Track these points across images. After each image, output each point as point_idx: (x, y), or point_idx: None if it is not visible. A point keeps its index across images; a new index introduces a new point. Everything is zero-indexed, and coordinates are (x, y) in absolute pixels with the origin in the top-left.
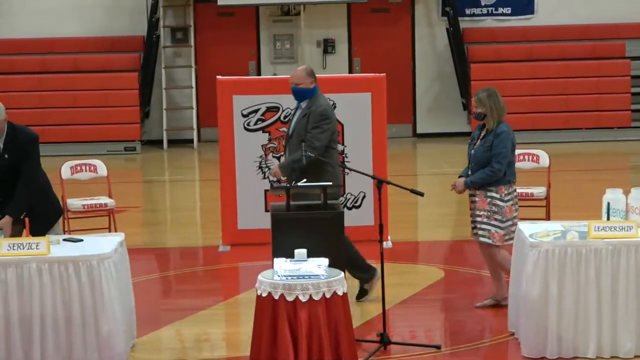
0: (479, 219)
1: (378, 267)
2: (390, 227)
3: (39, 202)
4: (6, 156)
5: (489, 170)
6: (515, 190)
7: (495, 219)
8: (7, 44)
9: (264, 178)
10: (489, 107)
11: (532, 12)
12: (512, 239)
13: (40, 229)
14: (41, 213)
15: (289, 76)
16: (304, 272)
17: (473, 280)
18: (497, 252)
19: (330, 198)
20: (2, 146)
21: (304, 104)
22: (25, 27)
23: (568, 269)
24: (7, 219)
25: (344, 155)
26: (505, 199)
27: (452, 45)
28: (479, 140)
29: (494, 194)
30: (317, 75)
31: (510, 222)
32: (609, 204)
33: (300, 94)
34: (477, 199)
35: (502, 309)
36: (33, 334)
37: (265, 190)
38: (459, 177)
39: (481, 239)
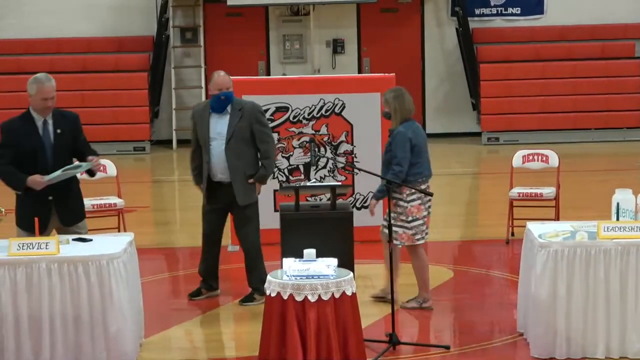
0: (385, 222)
1: (387, 266)
2: None
3: (76, 189)
4: (58, 131)
5: (390, 175)
6: (424, 189)
7: (401, 220)
8: (15, 44)
9: (273, 178)
10: (393, 108)
11: (541, 12)
12: (423, 238)
13: (68, 218)
14: (74, 198)
15: (298, 77)
16: (313, 272)
17: (482, 281)
18: (415, 253)
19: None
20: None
21: (229, 108)
22: (33, 27)
23: (577, 270)
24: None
25: (353, 155)
26: (408, 199)
27: (462, 45)
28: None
29: (397, 195)
30: (326, 75)
31: (419, 222)
32: (618, 204)
33: (230, 99)
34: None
35: (511, 309)
36: (42, 333)
37: (275, 190)
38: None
39: (394, 241)
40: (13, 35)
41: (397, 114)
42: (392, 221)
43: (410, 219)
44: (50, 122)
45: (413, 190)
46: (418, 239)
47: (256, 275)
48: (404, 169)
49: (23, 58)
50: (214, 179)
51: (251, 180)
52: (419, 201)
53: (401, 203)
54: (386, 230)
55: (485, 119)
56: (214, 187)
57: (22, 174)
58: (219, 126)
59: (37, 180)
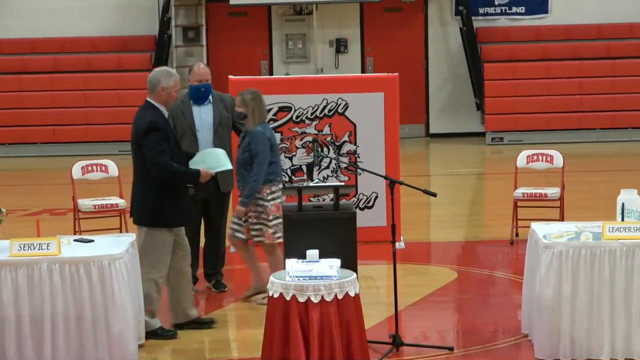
0: (250, 220)
1: (390, 267)
2: (402, 228)
3: None
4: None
5: (252, 177)
6: (280, 189)
7: (263, 219)
8: (19, 44)
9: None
10: (252, 109)
11: (546, 11)
12: (280, 237)
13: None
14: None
15: (301, 76)
16: (316, 273)
17: (486, 281)
18: (273, 252)
19: None
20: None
21: (210, 98)
22: (37, 27)
23: (582, 270)
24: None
25: (356, 155)
26: (268, 198)
27: (466, 44)
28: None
29: (257, 195)
30: (329, 75)
31: (277, 220)
32: (623, 204)
33: (209, 90)
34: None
35: (515, 310)
36: (44, 333)
37: None
38: None
39: (255, 239)
40: (16, 34)
41: (256, 115)
42: (256, 220)
43: (271, 217)
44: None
45: (273, 189)
46: (278, 237)
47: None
48: (264, 169)
49: (26, 57)
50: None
51: None
52: (279, 200)
53: (261, 202)
54: (238, 234)
55: (489, 119)
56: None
57: (191, 168)
58: (204, 116)
59: (208, 173)
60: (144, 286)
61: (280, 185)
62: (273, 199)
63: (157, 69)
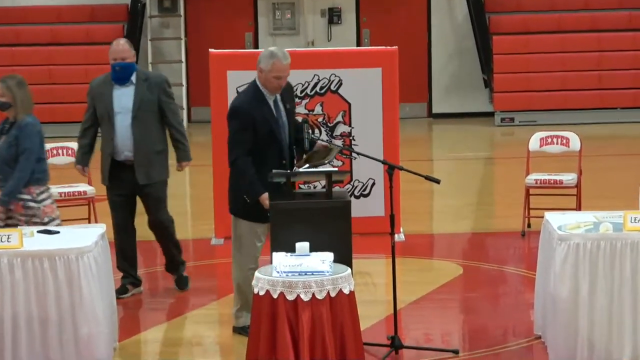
0: (19, 224)
1: (389, 261)
2: (402, 218)
3: None
4: (287, 106)
5: (17, 173)
6: (49, 188)
7: (34, 223)
8: None
9: None
10: (20, 98)
11: None
12: None
13: None
14: None
15: (289, 49)
16: (306, 268)
17: (495, 278)
18: None
19: None
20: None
21: (133, 78)
22: None
23: (601, 265)
24: None
25: (351, 138)
26: (39, 199)
27: (473, 14)
28: (3, 135)
29: (25, 196)
30: (321, 49)
31: (55, 222)
32: None
33: (128, 69)
34: (12, 206)
35: (527, 309)
36: (4, 335)
37: None
38: None
39: None
40: None
41: (23, 104)
42: (26, 225)
43: (46, 219)
44: (278, 97)
45: (42, 189)
46: None
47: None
48: (31, 166)
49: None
50: (118, 158)
51: (182, 167)
52: (50, 200)
53: (32, 204)
54: None
55: (498, 97)
56: (118, 169)
57: (260, 187)
58: (124, 99)
59: (265, 203)
60: (243, 278)
61: (48, 185)
62: (44, 199)
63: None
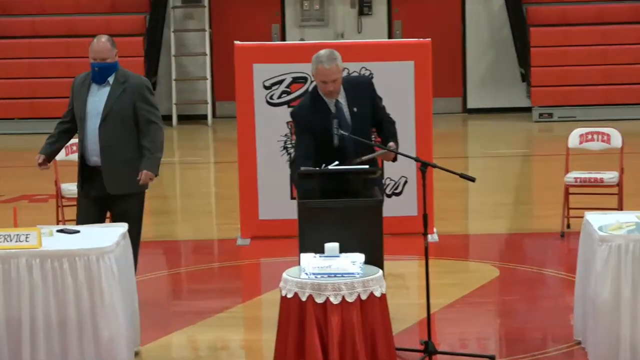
0: None
1: (422, 263)
2: (436, 218)
3: None
4: (355, 109)
5: None
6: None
7: None
8: None
9: (288, 161)
10: None
11: None
12: None
13: None
14: None
15: (318, 42)
16: (336, 270)
17: (533, 280)
18: None
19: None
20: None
21: (111, 79)
22: None
23: None
24: None
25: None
26: None
27: (509, 5)
28: None
29: None
30: (351, 41)
31: None
32: None
33: (107, 71)
34: None
35: (566, 313)
36: (22, 339)
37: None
38: None
39: None
40: None
41: None
42: None
43: None
44: (343, 100)
45: None
46: None
47: None
48: None
49: (0, 20)
50: (88, 163)
51: (141, 177)
52: None
53: None
54: None
55: (536, 92)
56: (90, 173)
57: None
58: (97, 101)
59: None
60: None
61: None
62: None
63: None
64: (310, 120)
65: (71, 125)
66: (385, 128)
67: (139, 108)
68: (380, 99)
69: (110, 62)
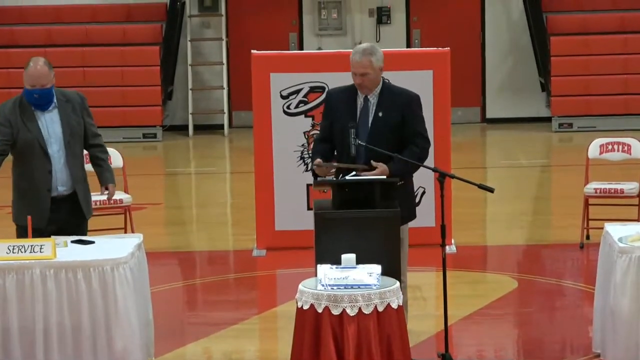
0: None
1: (440, 274)
2: (454, 229)
3: None
4: (380, 114)
5: None
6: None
7: None
8: (7, 13)
9: (307, 170)
10: None
11: None
12: None
13: None
14: None
15: (336, 51)
16: (353, 281)
17: (552, 292)
18: None
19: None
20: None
21: (55, 100)
22: None
23: None
24: None
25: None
26: None
27: (529, 13)
28: None
29: None
30: None
31: None
32: None
33: (48, 96)
34: None
35: (585, 325)
36: (36, 349)
37: (308, 185)
38: None
39: None
40: (5, 2)
41: None
42: None
43: None
44: (373, 100)
45: None
46: None
47: None
48: None
49: (16, 29)
50: (53, 193)
51: (107, 191)
52: None
53: None
54: None
55: (556, 101)
56: (55, 205)
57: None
58: (52, 125)
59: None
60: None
61: None
62: None
63: None
64: (332, 105)
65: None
66: (407, 148)
67: (87, 123)
68: (417, 119)
69: (49, 87)
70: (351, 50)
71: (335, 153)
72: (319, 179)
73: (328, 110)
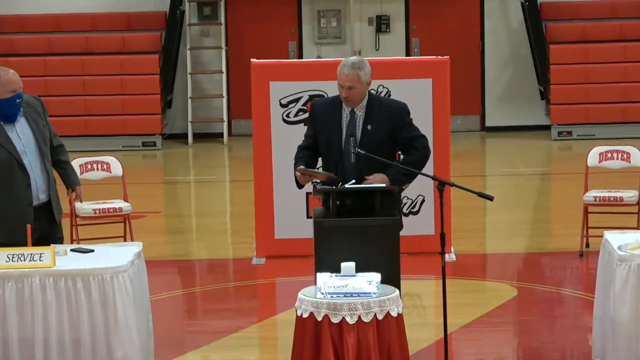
0: None
1: (439, 283)
2: (453, 237)
3: None
4: (369, 127)
5: None
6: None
7: None
8: (7, 21)
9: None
10: None
11: None
12: None
13: None
14: None
15: (335, 59)
16: (352, 289)
17: (552, 300)
18: None
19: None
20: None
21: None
22: (28, 2)
23: None
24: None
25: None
26: None
27: (528, 21)
28: None
29: None
30: (368, 58)
31: None
32: None
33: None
34: None
35: (585, 333)
36: (35, 359)
37: (307, 194)
38: None
39: None
40: (4, 11)
41: None
42: None
43: None
44: (360, 113)
45: None
46: None
47: None
48: None
49: (16, 37)
50: (34, 204)
51: (78, 193)
52: None
53: None
54: None
55: (555, 109)
56: (36, 215)
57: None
58: (23, 135)
59: (299, 175)
60: None
61: None
62: None
63: None
64: (316, 116)
65: None
66: (403, 159)
67: (50, 124)
68: (408, 128)
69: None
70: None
71: (320, 163)
72: (318, 187)
73: (312, 121)
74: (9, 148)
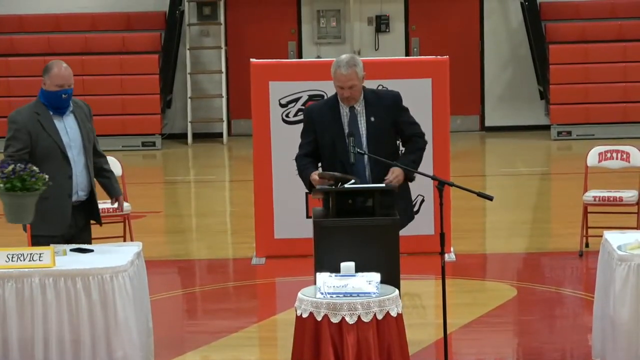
0: None
1: (439, 283)
2: (453, 237)
3: None
4: (372, 119)
5: None
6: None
7: None
8: (7, 21)
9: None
10: None
11: None
12: None
13: None
14: None
15: (335, 59)
16: (352, 289)
17: (551, 300)
18: None
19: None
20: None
21: (71, 105)
22: (28, 2)
23: None
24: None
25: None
26: None
27: (528, 21)
28: None
29: None
30: (367, 59)
31: None
32: None
33: (71, 97)
34: None
35: (585, 333)
36: (35, 358)
37: (307, 193)
38: None
39: None
40: (4, 11)
41: None
42: None
43: None
44: (359, 108)
45: None
46: None
47: None
48: None
49: (16, 37)
50: (73, 200)
51: (120, 203)
52: None
53: None
54: None
55: (555, 109)
56: (75, 212)
57: (306, 176)
58: (70, 130)
59: (314, 177)
60: None
61: None
62: None
63: None
64: (315, 120)
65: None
66: (407, 147)
67: (94, 132)
68: (407, 113)
69: (72, 87)
70: None
71: (320, 167)
72: (317, 187)
73: (311, 126)
74: (55, 138)
